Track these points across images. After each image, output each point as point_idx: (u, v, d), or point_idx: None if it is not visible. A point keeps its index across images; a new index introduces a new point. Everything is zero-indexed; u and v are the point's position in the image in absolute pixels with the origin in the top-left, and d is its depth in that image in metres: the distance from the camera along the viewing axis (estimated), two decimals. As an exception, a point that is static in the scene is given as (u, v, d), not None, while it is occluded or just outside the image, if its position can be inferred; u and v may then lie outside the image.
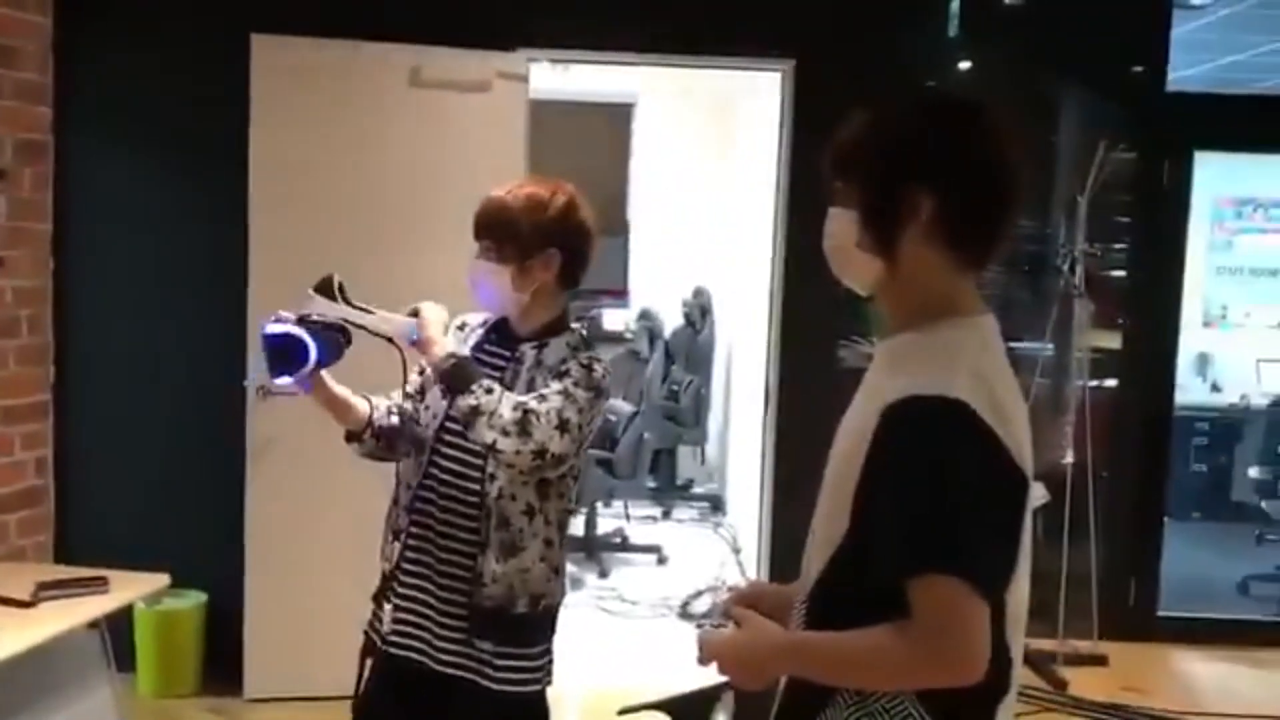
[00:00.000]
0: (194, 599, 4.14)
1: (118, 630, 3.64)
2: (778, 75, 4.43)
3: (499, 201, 2.30)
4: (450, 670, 2.26)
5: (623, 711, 2.00)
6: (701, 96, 7.15)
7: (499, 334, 2.34)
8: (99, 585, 2.99)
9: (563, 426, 2.15)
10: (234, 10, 4.05)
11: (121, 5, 4.15)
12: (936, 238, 1.49)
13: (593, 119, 7.47)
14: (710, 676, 1.68)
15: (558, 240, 2.28)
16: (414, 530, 2.29)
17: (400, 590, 2.31)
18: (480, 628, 2.24)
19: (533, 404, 2.15)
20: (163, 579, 3.16)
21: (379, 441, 2.35)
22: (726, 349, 6.90)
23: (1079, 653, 4.71)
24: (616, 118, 7.60)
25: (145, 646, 4.10)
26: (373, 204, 4.06)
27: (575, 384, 2.19)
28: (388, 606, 2.32)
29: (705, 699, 1.94)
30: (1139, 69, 5.06)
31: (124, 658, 3.79)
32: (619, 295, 7.55)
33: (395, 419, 2.35)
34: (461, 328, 2.37)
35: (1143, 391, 5.21)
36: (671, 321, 7.03)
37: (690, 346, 6.87)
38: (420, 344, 2.23)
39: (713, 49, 4.38)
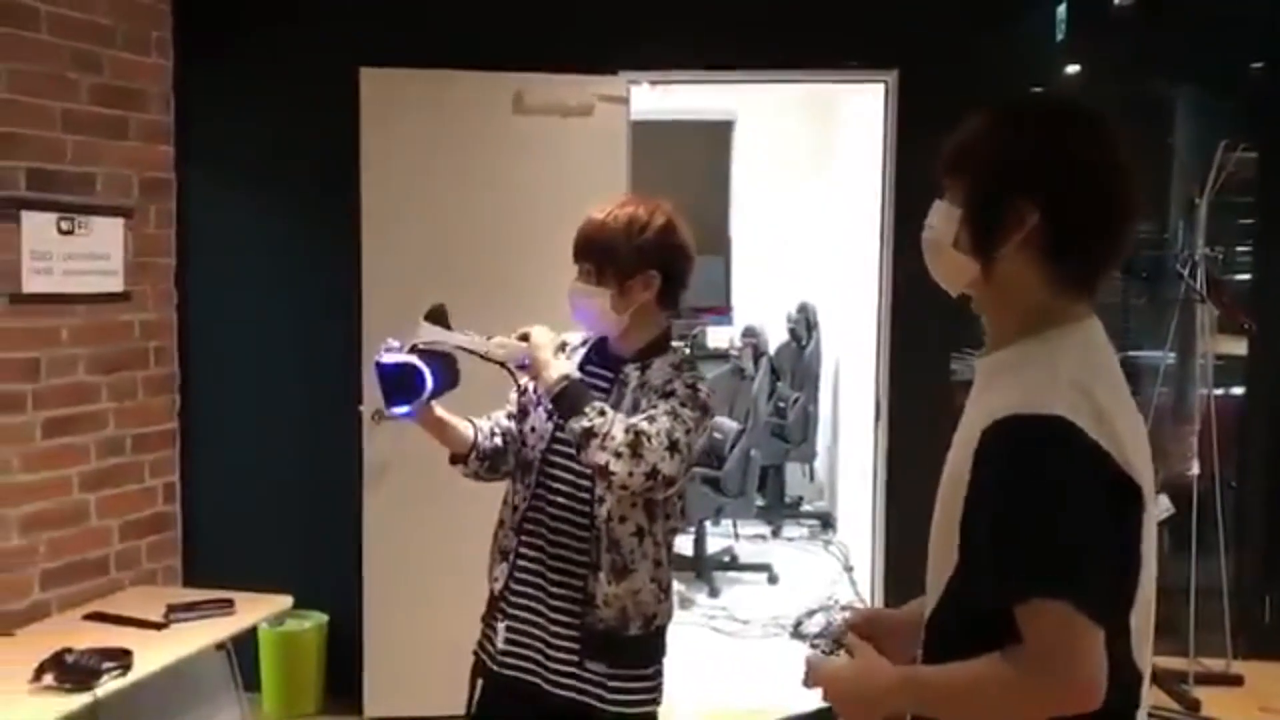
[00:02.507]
0: (315, 620, 4.23)
1: (242, 651, 3.75)
2: (880, 86, 4.39)
3: (598, 223, 2.29)
4: (563, 692, 2.26)
5: None
6: (801, 110, 7.12)
7: (600, 355, 2.34)
8: (226, 607, 3.08)
9: (673, 447, 2.14)
10: (342, 45, 4.16)
11: (237, 45, 4.30)
12: (1038, 251, 1.46)
13: (692, 137, 7.49)
14: (820, 700, 1.66)
15: (657, 261, 2.27)
16: (523, 551, 2.31)
17: (510, 611, 2.33)
18: (593, 650, 2.24)
19: (643, 425, 2.14)
20: (286, 600, 3.24)
21: (483, 464, 2.38)
22: (834, 364, 6.83)
23: (1212, 672, 4.52)
24: (716, 135, 7.61)
25: (269, 667, 4.21)
26: (480, 230, 4.13)
27: (682, 404, 2.18)
28: (500, 626, 2.34)
29: (822, 720, 1.91)
30: (1258, 65, 4.89)
31: (248, 678, 3.89)
32: (722, 313, 7.54)
33: (499, 440, 2.37)
34: (562, 348, 2.38)
35: (1271, 398, 5.00)
36: (776, 338, 6.99)
37: (796, 363, 6.82)
38: (532, 367, 2.23)
39: (813, 62, 4.35)
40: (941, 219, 1.53)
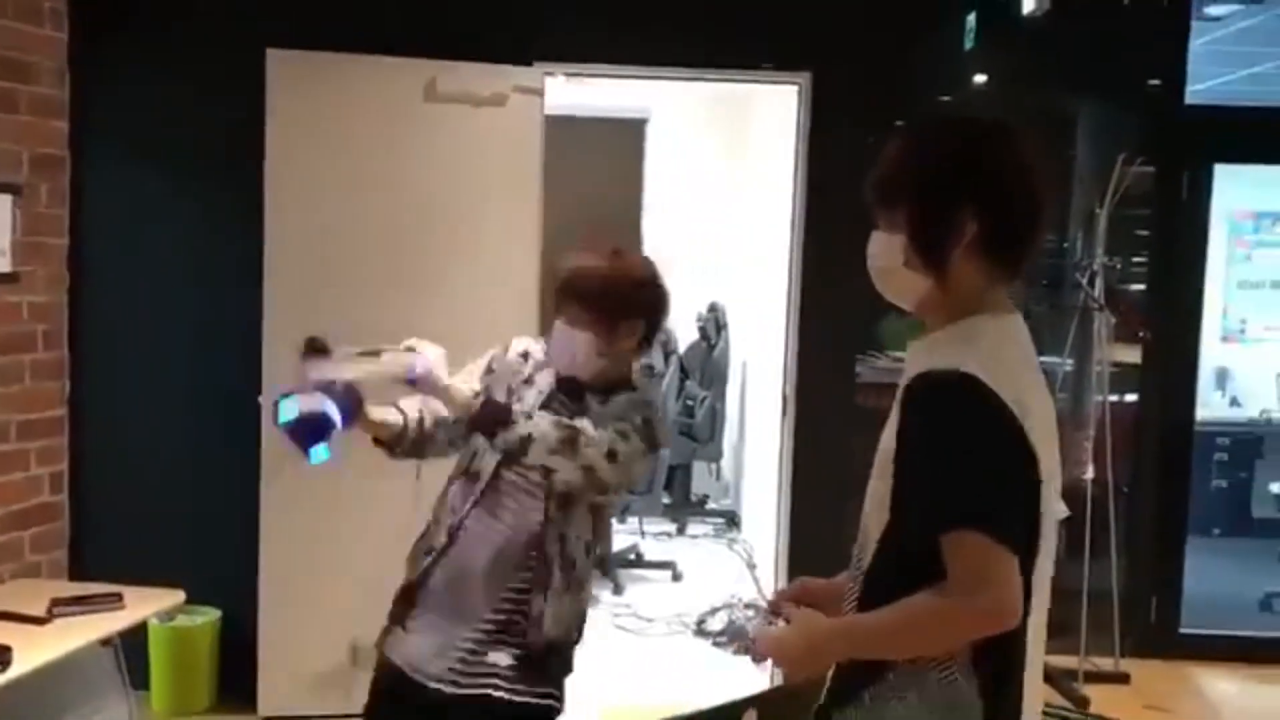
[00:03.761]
0: (208, 616, 4.12)
1: (132, 648, 3.63)
2: (793, 89, 4.41)
3: (590, 271, 2.31)
4: (466, 690, 2.24)
5: None
6: (714, 111, 7.14)
7: (562, 381, 2.35)
8: (114, 602, 2.97)
9: (611, 455, 2.16)
10: (250, 25, 4.04)
11: (138, 20, 4.15)
12: (979, 253, 1.61)
13: (606, 135, 7.46)
14: (730, 693, 1.71)
15: (645, 311, 2.33)
16: (452, 554, 2.29)
17: (419, 607, 2.29)
18: (531, 662, 2.24)
19: (581, 424, 2.17)
20: (178, 595, 3.14)
21: (409, 452, 2.37)
22: (741, 365, 6.87)
23: (1100, 670, 4.65)
24: (629, 133, 7.59)
25: (159, 663, 4.08)
26: (387, 219, 4.05)
27: (632, 428, 2.20)
28: (409, 622, 2.31)
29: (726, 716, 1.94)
30: (1156, 82, 5.04)
31: (137, 675, 3.77)
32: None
33: (427, 427, 2.35)
34: (525, 355, 2.41)
35: (1163, 406, 5.17)
36: (686, 337, 7.00)
37: (705, 362, 6.84)
38: (423, 383, 2.18)
39: (728, 62, 4.37)
40: (883, 247, 1.66)
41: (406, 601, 2.35)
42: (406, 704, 2.31)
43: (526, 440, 2.11)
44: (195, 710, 4.09)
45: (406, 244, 4.06)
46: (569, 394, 2.32)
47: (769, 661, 1.70)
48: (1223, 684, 4.88)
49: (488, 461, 2.28)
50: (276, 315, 3.96)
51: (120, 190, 4.16)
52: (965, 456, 1.51)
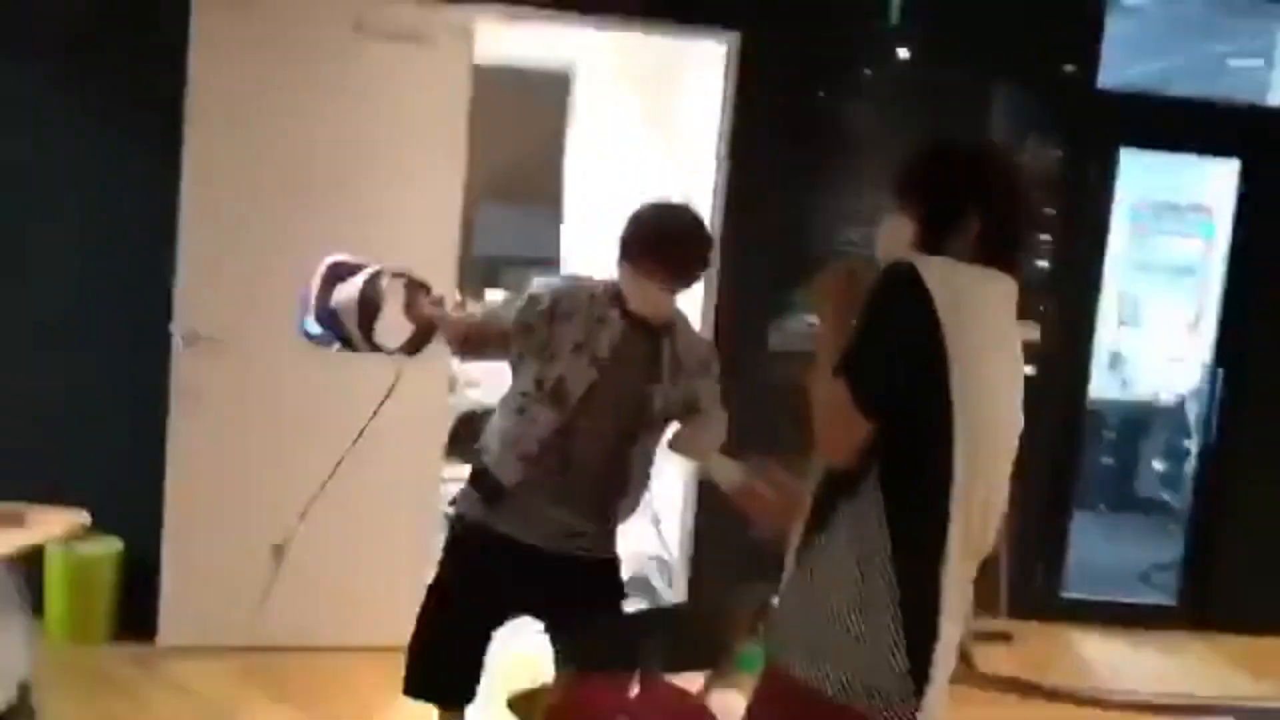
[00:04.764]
0: (109, 545, 4.07)
1: (26, 575, 3.57)
2: (722, 50, 4.46)
3: (703, 231, 2.77)
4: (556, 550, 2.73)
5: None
6: (641, 71, 7.15)
7: (631, 319, 2.71)
8: (14, 520, 2.93)
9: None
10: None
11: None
12: (976, 248, 1.87)
13: (529, 86, 7.43)
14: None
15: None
16: (544, 461, 2.67)
17: (518, 498, 2.71)
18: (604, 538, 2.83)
19: (718, 415, 2.81)
20: (82, 516, 3.11)
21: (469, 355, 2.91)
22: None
23: (985, 630, 4.83)
24: (553, 86, 7.57)
25: (56, 591, 4.03)
26: (311, 154, 4.02)
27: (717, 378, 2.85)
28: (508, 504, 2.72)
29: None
30: (1070, 67, 5.18)
31: (32, 602, 3.72)
32: (551, 266, 7.54)
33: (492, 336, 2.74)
34: (591, 296, 2.76)
35: (1058, 383, 5.35)
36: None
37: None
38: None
39: (660, 13, 4.39)
40: (897, 227, 1.94)
41: (498, 489, 2.74)
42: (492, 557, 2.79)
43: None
44: (93, 640, 4.06)
45: (328, 180, 4.03)
46: (643, 329, 2.68)
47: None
48: (1099, 646, 5.11)
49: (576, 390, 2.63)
50: (191, 246, 3.91)
51: (28, 110, 4.05)
52: (870, 325, 1.77)
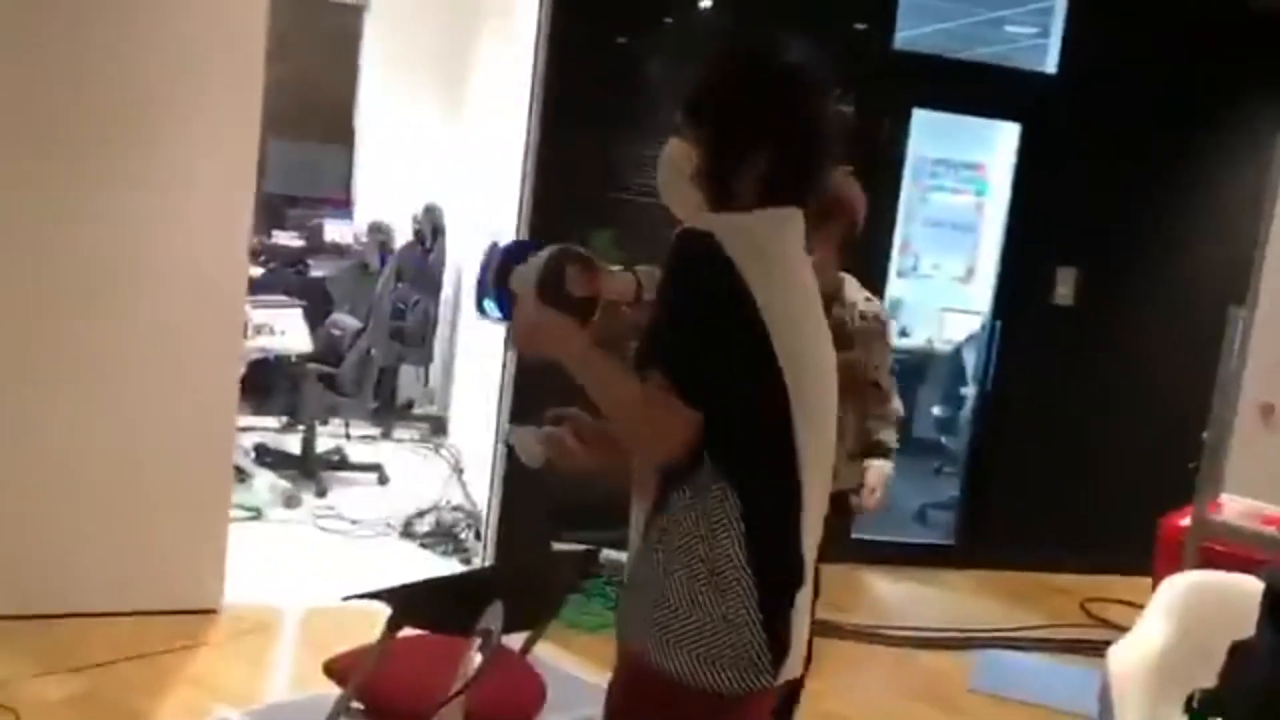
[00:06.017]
0: None
1: None
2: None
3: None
4: None
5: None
6: (439, 7, 6.94)
7: None
8: None
9: None
10: None
11: None
12: (763, 184, 1.73)
13: (321, 19, 7.11)
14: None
15: None
16: None
17: None
18: None
19: None
20: None
21: None
22: (456, 270, 6.80)
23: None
24: (346, 20, 7.27)
25: None
26: (91, 87, 3.68)
27: None
28: None
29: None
30: (863, 26, 5.33)
31: None
32: (341, 205, 7.28)
33: None
34: None
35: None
36: (401, 238, 6.85)
37: (419, 265, 6.72)
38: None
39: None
40: (678, 154, 1.77)
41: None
42: None
43: None
44: None
45: (112, 116, 3.72)
46: None
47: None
48: (883, 584, 5.41)
49: None
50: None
51: None
52: (679, 306, 1.66)
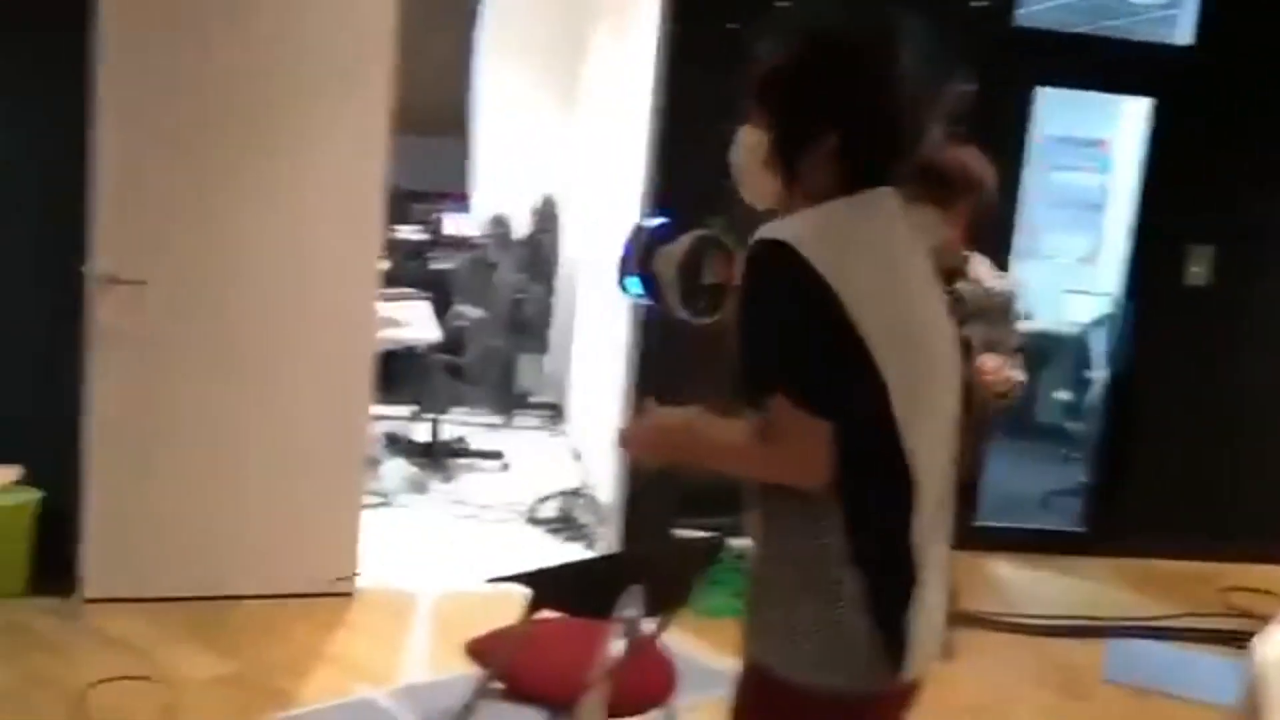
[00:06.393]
0: (26, 495, 3.91)
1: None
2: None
3: None
4: None
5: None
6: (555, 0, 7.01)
7: None
8: (-59, 477, 2.80)
9: None
10: None
11: None
12: (835, 163, 1.67)
13: (439, 15, 7.23)
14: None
15: None
16: None
17: None
18: None
19: None
20: (11, 472, 2.97)
21: None
22: (572, 261, 6.88)
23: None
24: (463, 15, 7.38)
25: (-30, 544, 3.87)
26: (229, 88, 3.82)
27: None
28: None
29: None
30: (983, 4, 5.22)
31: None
32: (461, 199, 7.41)
33: None
34: None
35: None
36: (519, 229, 6.96)
37: (536, 255, 6.82)
38: None
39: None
40: (750, 141, 1.73)
41: None
42: None
43: None
44: (9, 593, 3.90)
45: (251, 115, 3.86)
46: None
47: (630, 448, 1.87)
48: (1009, 571, 5.32)
49: None
50: (107, 183, 3.72)
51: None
52: (766, 320, 1.60)
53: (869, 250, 1.65)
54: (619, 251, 2.15)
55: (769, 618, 1.66)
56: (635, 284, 2.13)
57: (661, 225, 2.14)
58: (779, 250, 1.58)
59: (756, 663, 1.69)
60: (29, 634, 3.71)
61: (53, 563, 3.93)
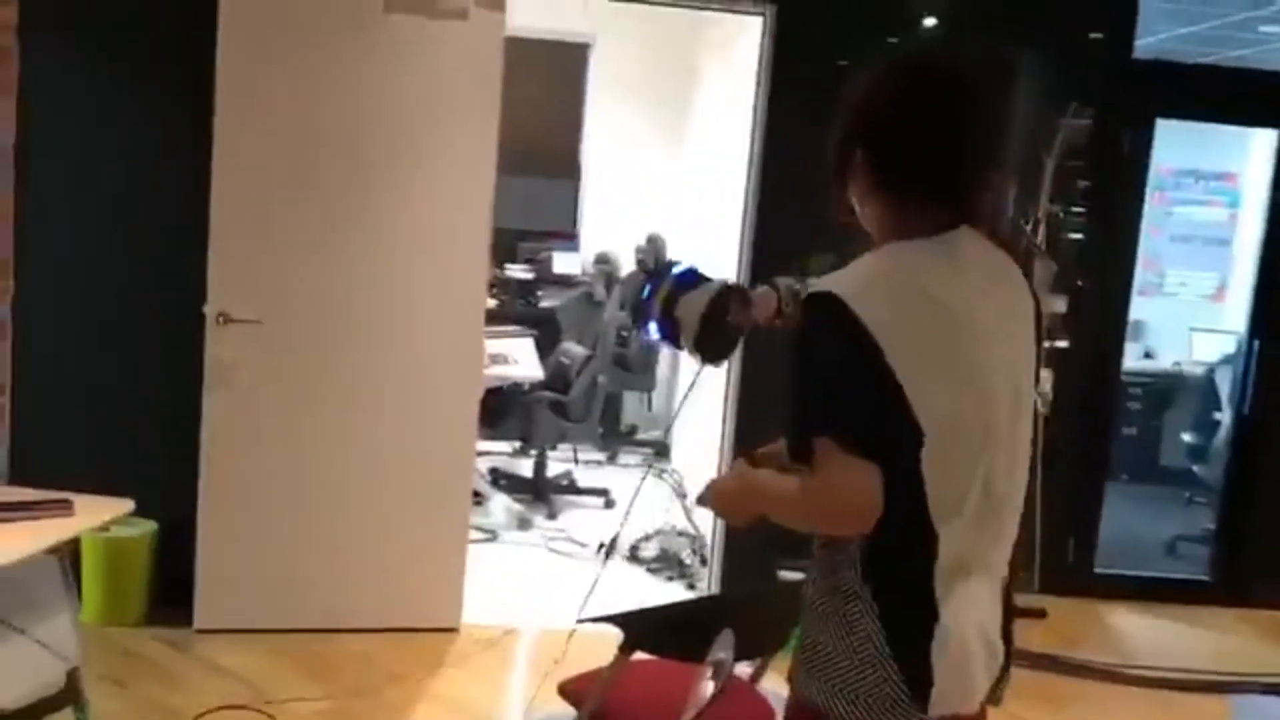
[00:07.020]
0: (144, 527, 4.04)
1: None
2: (746, 20, 4.40)
3: None
4: None
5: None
6: (659, 42, 7.06)
7: None
8: (63, 508, 2.89)
9: None
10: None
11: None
12: (871, 185, 1.70)
13: (547, 57, 7.35)
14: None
15: None
16: None
17: None
18: None
19: None
20: (127, 504, 3.06)
21: None
22: (678, 297, 6.88)
23: (1019, 606, 4.81)
24: (571, 57, 7.49)
25: (92, 574, 4.01)
26: (340, 132, 3.95)
27: None
28: None
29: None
30: (1099, 35, 5.10)
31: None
32: (568, 239, 7.49)
33: None
34: None
35: (1090, 354, 5.31)
36: (625, 268, 6.99)
37: (641, 294, 6.83)
38: None
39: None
40: (860, 175, 1.73)
41: None
42: None
43: None
44: (128, 623, 4.03)
45: (360, 158, 3.97)
46: None
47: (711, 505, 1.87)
48: (1131, 621, 5.11)
49: None
50: (224, 224, 3.86)
51: (69, 85, 3.98)
52: (812, 370, 1.62)
53: (922, 297, 1.63)
54: (641, 294, 2.18)
55: (806, 650, 1.69)
56: (655, 329, 2.16)
57: (686, 272, 2.15)
58: (825, 304, 1.60)
59: (800, 694, 1.71)
60: (143, 662, 3.82)
61: (169, 594, 4.05)
